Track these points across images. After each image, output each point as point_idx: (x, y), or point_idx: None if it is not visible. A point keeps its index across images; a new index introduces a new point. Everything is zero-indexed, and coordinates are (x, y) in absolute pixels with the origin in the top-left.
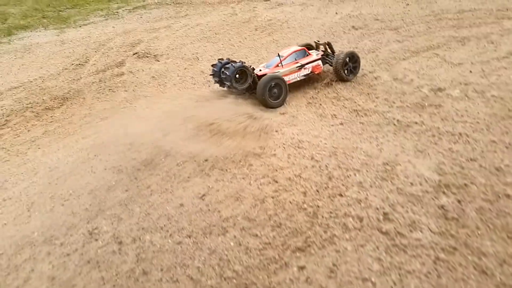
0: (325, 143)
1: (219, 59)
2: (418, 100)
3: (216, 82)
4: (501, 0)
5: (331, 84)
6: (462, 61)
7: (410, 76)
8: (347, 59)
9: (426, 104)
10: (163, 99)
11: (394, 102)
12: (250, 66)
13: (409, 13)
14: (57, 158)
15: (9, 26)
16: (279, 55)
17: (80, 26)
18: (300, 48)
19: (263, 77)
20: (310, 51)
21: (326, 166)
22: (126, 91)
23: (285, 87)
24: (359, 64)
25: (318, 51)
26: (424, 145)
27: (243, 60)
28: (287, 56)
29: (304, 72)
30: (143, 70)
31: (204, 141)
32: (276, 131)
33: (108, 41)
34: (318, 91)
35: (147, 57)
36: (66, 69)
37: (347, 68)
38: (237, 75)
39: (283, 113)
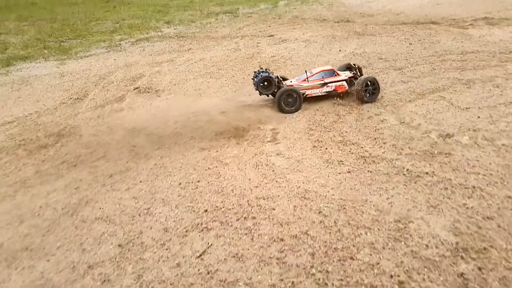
0: (333, 194)
1: (259, 69)
2: (427, 147)
3: (256, 89)
4: (503, 43)
5: (338, 122)
6: (469, 105)
7: (417, 120)
8: (368, 83)
9: (436, 152)
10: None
11: (402, 149)
12: (276, 76)
13: (413, 52)
14: (46, 203)
15: (8, 57)
16: (306, 72)
17: (81, 58)
18: (329, 68)
19: (280, 89)
20: (341, 72)
21: (335, 222)
22: (123, 127)
23: (300, 98)
24: (379, 89)
25: (351, 72)
26: (436, 200)
27: (272, 72)
28: (314, 74)
29: (327, 89)
30: (143, 106)
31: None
32: (281, 178)
33: (109, 74)
34: (323, 134)
35: (148, 92)
36: (63, 103)
37: (367, 91)
38: (264, 83)
39: (288, 158)
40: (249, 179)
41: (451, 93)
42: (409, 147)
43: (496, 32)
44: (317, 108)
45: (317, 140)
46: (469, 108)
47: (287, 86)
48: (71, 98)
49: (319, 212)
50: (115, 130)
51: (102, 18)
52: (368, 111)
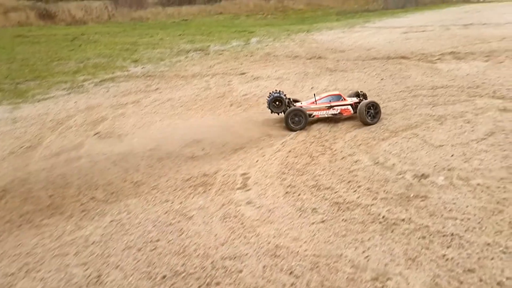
0: (306, 250)
1: (273, 91)
2: (402, 190)
3: (268, 107)
4: (470, 77)
5: (310, 165)
6: (442, 142)
7: (391, 159)
8: (370, 106)
9: (412, 195)
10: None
11: (377, 193)
12: (288, 98)
13: (384, 88)
14: None
15: None
16: (314, 95)
17: (38, 101)
18: (336, 93)
19: (289, 109)
20: (349, 97)
21: (307, 284)
22: (79, 178)
23: (306, 118)
24: (380, 112)
25: (358, 98)
26: (415, 251)
27: (285, 94)
28: (323, 97)
29: (333, 111)
30: (103, 154)
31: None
32: (250, 232)
33: (68, 118)
34: (296, 178)
35: (110, 137)
36: (13, 153)
37: (369, 114)
38: (276, 102)
39: (259, 207)
40: (215, 235)
41: (424, 130)
42: (384, 191)
43: (463, 67)
44: (289, 149)
45: (290, 185)
46: (443, 145)
47: (296, 107)
48: (22, 147)
49: (291, 272)
50: (70, 182)
51: (66, 58)
52: (341, 151)
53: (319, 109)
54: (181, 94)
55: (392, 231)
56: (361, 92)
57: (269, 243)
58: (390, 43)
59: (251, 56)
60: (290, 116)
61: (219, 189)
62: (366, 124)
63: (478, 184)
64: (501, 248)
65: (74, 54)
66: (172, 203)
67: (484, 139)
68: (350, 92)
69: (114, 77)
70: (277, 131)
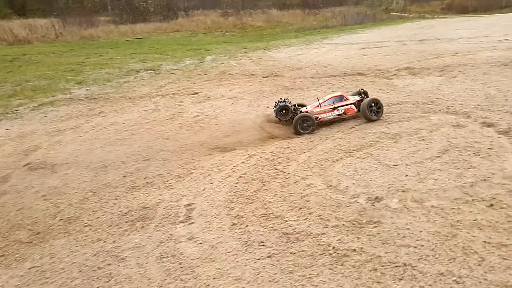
0: None
1: (279, 99)
2: (355, 216)
3: (275, 117)
4: (424, 92)
5: (261, 191)
6: (396, 162)
7: (345, 182)
8: (372, 103)
9: (364, 221)
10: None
11: (329, 220)
12: (294, 105)
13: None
14: None
15: None
16: (318, 99)
17: None
18: (339, 94)
19: (296, 116)
20: (351, 97)
21: None
22: (0, 218)
23: (313, 122)
24: (382, 109)
25: (360, 96)
26: (365, 286)
27: (290, 101)
28: (326, 100)
29: (337, 112)
30: (33, 187)
31: None
32: (188, 274)
33: None
34: (245, 206)
35: (43, 168)
36: None
37: (372, 111)
38: (283, 111)
39: (202, 242)
40: (149, 279)
41: (378, 149)
42: (336, 217)
43: (418, 82)
44: (240, 174)
45: (237, 215)
46: (397, 165)
47: (302, 112)
48: None
49: None
50: None
51: (1, 81)
52: (294, 174)
53: (324, 112)
54: (126, 117)
55: (342, 264)
56: (362, 90)
57: (207, 286)
58: (347, 60)
59: (205, 74)
60: (299, 122)
61: (159, 224)
62: (370, 120)
63: (433, 206)
64: (454, 278)
65: (11, 76)
66: (104, 242)
67: (438, 157)
68: (353, 92)
69: (54, 100)
70: (230, 153)
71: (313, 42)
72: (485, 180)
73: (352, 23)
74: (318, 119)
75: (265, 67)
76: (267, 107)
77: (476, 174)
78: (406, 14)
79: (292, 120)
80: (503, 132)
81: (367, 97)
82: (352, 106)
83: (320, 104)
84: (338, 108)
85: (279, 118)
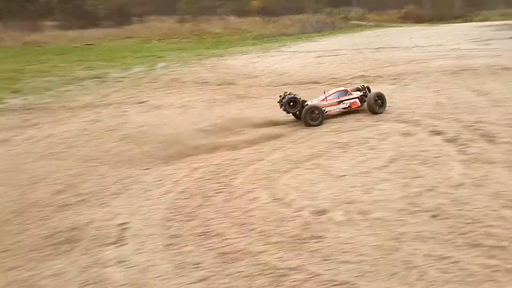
0: None
1: (284, 93)
2: (298, 231)
3: (283, 110)
4: None
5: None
6: (344, 172)
7: (291, 194)
8: (376, 97)
9: (307, 236)
10: None
11: (270, 236)
12: (300, 98)
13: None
14: None
15: None
16: (324, 93)
17: None
18: (343, 89)
19: (305, 107)
20: (353, 92)
21: None
22: None
23: (322, 113)
24: (385, 102)
25: (362, 92)
26: None
27: (296, 94)
28: (331, 94)
29: (343, 105)
30: None
31: None
32: None
33: None
34: (183, 224)
35: None
36: None
37: (377, 104)
38: (291, 103)
39: (132, 266)
40: None
41: (327, 159)
42: (278, 233)
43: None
44: (182, 189)
45: (174, 234)
46: (344, 176)
47: (312, 104)
48: None
49: None
50: None
51: None
52: (240, 188)
53: (330, 105)
54: (64, 129)
55: (279, 285)
56: (362, 86)
57: None
58: (303, 68)
59: (154, 82)
60: (308, 113)
61: (87, 246)
62: (374, 113)
63: (377, 218)
64: None
65: None
66: (21, 269)
67: (386, 166)
68: (352, 88)
69: None
70: (173, 166)
71: (271, 49)
72: (430, 189)
73: (311, 31)
74: (325, 112)
75: (219, 75)
76: (220, 116)
77: (423, 183)
78: (364, 23)
79: (300, 112)
80: (451, 140)
81: (370, 91)
82: (356, 100)
83: (326, 98)
84: (344, 102)
85: (287, 111)
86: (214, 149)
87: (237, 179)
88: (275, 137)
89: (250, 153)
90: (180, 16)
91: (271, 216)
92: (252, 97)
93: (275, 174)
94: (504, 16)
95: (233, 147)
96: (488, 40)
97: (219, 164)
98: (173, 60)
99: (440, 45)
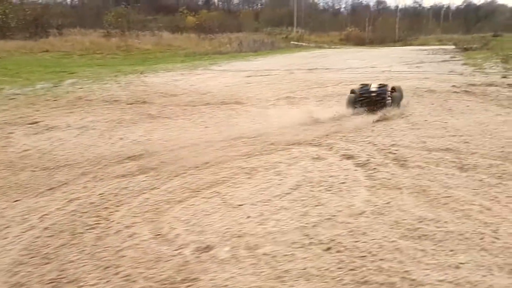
0: None
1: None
2: (171, 273)
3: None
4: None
5: None
6: (243, 201)
7: (177, 229)
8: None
9: (179, 279)
10: None
11: (136, 281)
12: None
13: (205, 138)
14: None
15: None
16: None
17: None
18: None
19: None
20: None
21: None
22: None
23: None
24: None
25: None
26: None
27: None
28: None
29: None
30: None
31: None
32: None
33: None
34: (35, 270)
35: None
36: None
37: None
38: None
39: None
40: None
41: (229, 186)
42: (146, 276)
43: (291, 112)
44: (48, 225)
45: (17, 283)
46: (242, 205)
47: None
48: None
49: None
50: None
51: None
52: (119, 222)
53: None
54: None
55: None
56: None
57: None
58: (229, 87)
59: (54, 100)
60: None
61: None
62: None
63: (265, 254)
64: None
65: None
66: None
67: (289, 193)
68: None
69: None
70: (47, 197)
71: (199, 67)
72: (329, 219)
73: (248, 50)
74: None
75: (132, 93)
76: (121, 139)
77: (322, 212)
78: (304, 43)
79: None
80: (361, 165)
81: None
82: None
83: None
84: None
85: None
86: (102, 176)
87: (119, 212)
88: (180, 159)
89: (143, 181)
90: (105, 30)
91: (146, 256)
92: (165, 117)
93: (166, 205)
94: (440, 41)
95: (126, 174)
96: (420, 63)
97: (103, 194)
98: (85, 77)
99: (373, 67)
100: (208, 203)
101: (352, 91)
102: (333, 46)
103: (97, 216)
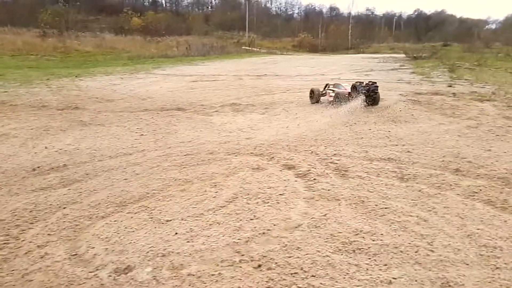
0: None
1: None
2: None
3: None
4: (239, 132)
5: None
6: (172, 216)
7: (96, 248)
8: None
9: None
10: None
11: None
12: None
13: (139, 147)
14: None
15: None
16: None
17: None
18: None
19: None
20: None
21: None
22: None
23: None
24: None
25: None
26: None
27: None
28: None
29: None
30: None
31: None
32: None
33: None
34: None
35: None
36: None
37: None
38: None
39: None
40: None
41: (159, 200)
42: None
43: (238, 120)
44: None
45: None
46: (171, 220)
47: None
48: None
49: None
50: None
51: None
52: (31, 241)
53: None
54: None
55: None
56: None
57: None
58: (171, 93)
59: None
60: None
61: None
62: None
63: (190, 274)
64: None
65: None
66: None
67: (224, 206)
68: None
69: None
70: None
71: (141, 71)
72: (264, 233)
73: (197, 54)
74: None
75: (64, 98)
76: (46, 148)
77: (257, 226)
78: (256, 49)
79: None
80: (302, 175)
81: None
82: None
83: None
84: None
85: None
86: (18, 190)
87: (32, 230)
88: (109, 170)
89: (64, 194)
90: (41, 29)
91: (56, 280)
92: (98, 124)
93: (87, 221)
94: (392, 49)
95: (46, 187)
96: (370, 71)
97: (15, 210)
98: (13, 80)
99: (323, 74)
100: (133, 218)
101: (311, 91)
102: (285, 53)
103: (6, 235)
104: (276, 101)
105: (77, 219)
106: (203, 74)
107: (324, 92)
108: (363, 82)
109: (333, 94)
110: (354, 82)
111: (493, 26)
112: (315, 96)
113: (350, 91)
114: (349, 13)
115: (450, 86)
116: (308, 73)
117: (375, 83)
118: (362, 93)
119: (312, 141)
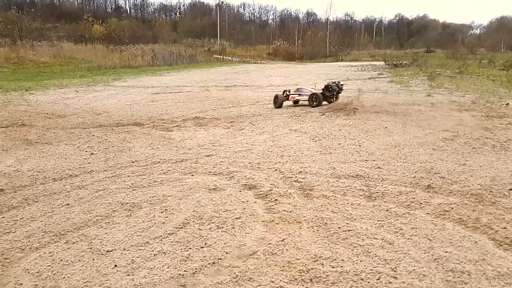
0: None
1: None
2: None
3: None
4: (198, 148)
5: None
6: (114, 246)
7: (24, 284)
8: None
9: None
10: None
11: None
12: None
13: (87, 167)
14: None
15: None
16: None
17: None
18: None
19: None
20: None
21: None
22: None
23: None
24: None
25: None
26: None
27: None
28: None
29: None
30: None
31: None
32: None
33: None
34: None
35: None
36: None
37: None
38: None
39: None
40: None
41: (102, 227)
42: None
43: (200, 135)
44: None
45: None
46: (112, 251)
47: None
48: None
49: None
50: None
51: None
52: None
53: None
54: None
55: None
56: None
57: None
58: (130, 106)
59: None
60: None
61: None
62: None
63: None
64: None
65: None
66: None
67: (172, 233)
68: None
69: None
70: None
71: (99, 83)
72: (214, 263)
73: (163, 63)
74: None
75: (10, 114)
76: None
77: (207, 255)
78: (228, 57)
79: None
80: (262, 196)
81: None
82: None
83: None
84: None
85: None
86: None
87: None
88: (53, 194)
89: (3, 221)
90: None
91: None
92: (45, 143)
93: (19, 253)
94: (372, 57)
95: None
96: (346, 80)
97: None
98: None
99: (297, 84)
100: (71, 249)
101: (283, 92)
102: (259, 61)
103: None
104: (244, 114)
105: (8, 251)
106: (167, 85)
107: (285, 97)
108: (335, 82)
109: (299, 98)
110: (326, 83)
111: (477, 31)
112: (279, 101)
113: (321, 91)
114: (327, 19)
115: (429, 96)
116: (280, 83)
117: (340, 82)
118: (335, 90)
119: (277, 158)
